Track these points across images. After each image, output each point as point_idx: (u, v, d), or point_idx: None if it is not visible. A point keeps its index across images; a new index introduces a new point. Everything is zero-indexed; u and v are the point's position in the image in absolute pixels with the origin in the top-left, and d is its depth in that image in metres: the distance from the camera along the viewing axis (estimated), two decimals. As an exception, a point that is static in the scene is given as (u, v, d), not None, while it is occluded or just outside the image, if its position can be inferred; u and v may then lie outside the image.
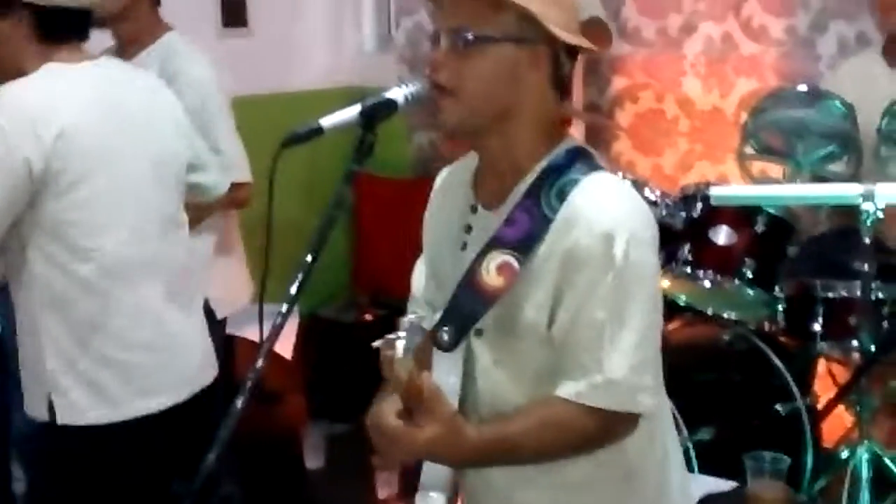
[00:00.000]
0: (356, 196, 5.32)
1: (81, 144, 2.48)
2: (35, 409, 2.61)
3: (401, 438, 1.80)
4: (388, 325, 1.90)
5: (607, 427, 1.87)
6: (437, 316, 1.96)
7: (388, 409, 1.81)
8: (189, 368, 2.74)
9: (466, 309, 1.90)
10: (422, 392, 1.78)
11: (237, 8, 5.02)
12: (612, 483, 1.98)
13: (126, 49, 3.32)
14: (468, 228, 1.99)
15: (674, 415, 3.02)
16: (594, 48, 1.97)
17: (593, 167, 1.91)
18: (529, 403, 1.89)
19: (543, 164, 1.92)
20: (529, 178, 1.91)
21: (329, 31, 5.34)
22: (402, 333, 1.79)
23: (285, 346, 4.05)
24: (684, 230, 3.31)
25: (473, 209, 2.00)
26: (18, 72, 2.53)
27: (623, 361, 1.83)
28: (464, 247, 1.99)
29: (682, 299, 3.41)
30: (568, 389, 1.84)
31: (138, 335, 2.62)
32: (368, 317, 4.96)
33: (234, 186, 3.18)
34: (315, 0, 5.28)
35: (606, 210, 1.85)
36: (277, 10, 5.10)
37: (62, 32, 2.57)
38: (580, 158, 1.92)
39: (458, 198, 2.04)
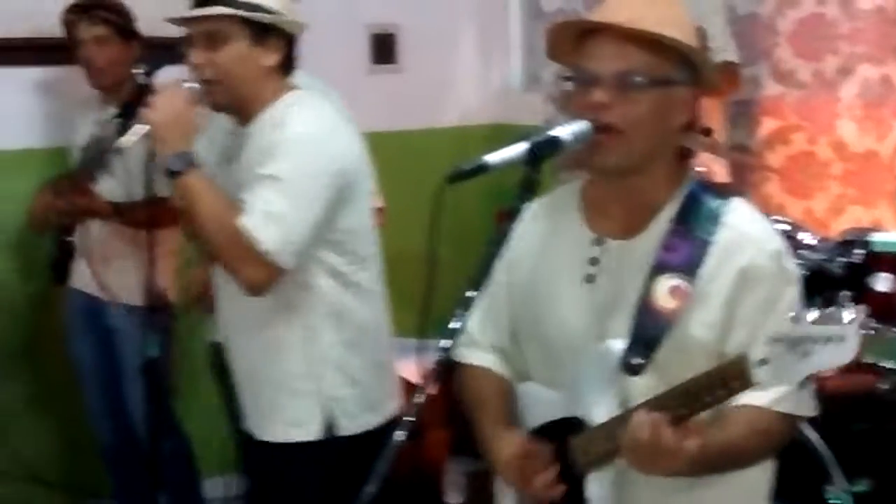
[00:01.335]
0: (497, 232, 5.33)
1: (356, 159, 2.66)
2: (304, 428, 2.68)
3: (673, 451, 1.85)
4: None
5: (791, 432, 2.00)
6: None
7: (660, 424, 1.86)
8: None
9: (649, 333, 1.97)
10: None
11: (387, 45, 5.10)
12: None
13: None
14: (594, 261, 2.06)
15: (832, 465, 2.99)
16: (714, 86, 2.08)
17: (727, 193, 2.08)
18: (728, 415, 1.95)
19: (682, 192, 2.04)
20: (671, 208, 2.03)
21: (477, 68, 5.37)
22: None
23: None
24: (843, 276, 3.24)
25: (598, 242, 2.06)
26: (251, 99, 2.65)
27: None
28: (590, 279, 2.06)
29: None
30: (761, 398, 1.92)
31: (388, 337, 2.81)
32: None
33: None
34: (464, 37, 5.32)
35: (768, 230, 2.03)
36: (426, 47, 5.15)
37: (293, 64, 2.72)
38: (708, 186, 2.09)
39: (568, 234, 2.12)
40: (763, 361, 1.75)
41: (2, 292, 4.32)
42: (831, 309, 1.69)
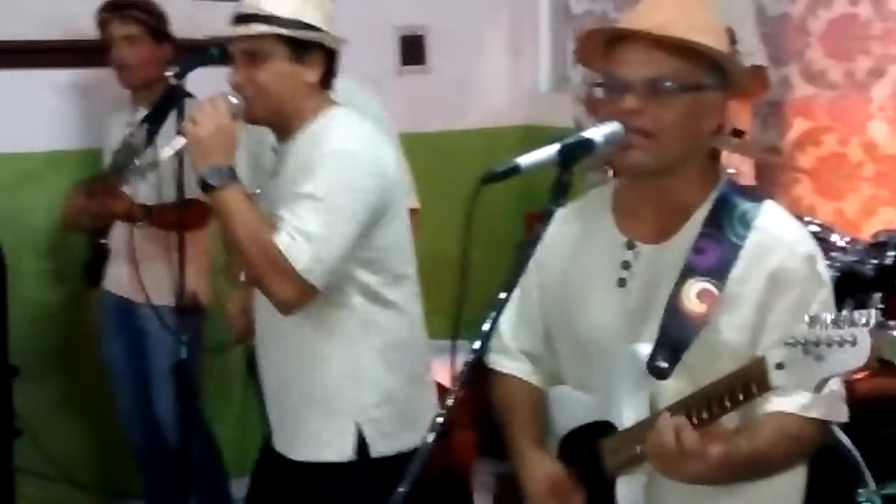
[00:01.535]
0: (527, 234, 5.33)
1: (393, 175, 2.65)
2: (335, 448, 2.65)
3: (697, 454, 1.85)
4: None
5: (821, 437, 1.98)
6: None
7: (682, 427, 1.86)
8: None
9: (676, 336, 1.96)
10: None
11: (416, 46, 5.12)
12: None
13: None
14: (626, 265, 2.06)
15: (861, 468, 2.97)
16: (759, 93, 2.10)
17: (758, 196, 2.06)
18: (755, 421, 1.94)
19: (713, 196, 2.04)
20: (703, 210, 2.03)
21: (505, 70, 5.38)
22: None
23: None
24: (875, 278, 3.23)
25: (630, 246, 2.06)
26: (292, 116, 2.65)
27: None
28: (621, 283, 2.06)
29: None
30: (789, 403, 1.91)
31: (427, 353, 2.79)
32: (537, 355, 4.94)
33: None
34: (492, 39, 5.33)
35: (799, 233, 2.02)
36: (455, 49, 5.17)
37: (333, 78, 2.71)
38: (741, 188, 2.08)
39: (600, 237, 2.12)
40: (780, 365, 1.75)
41: (34, 294, 4.34)
42: (845, 312, 1.69)
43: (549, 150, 1.91)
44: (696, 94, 1.97)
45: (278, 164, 2.70)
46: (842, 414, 2.00)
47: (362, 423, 2.64)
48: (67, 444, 4.41)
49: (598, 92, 2.05)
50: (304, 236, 2.48)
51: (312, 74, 2.63)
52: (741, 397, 1.84)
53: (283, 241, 2.48)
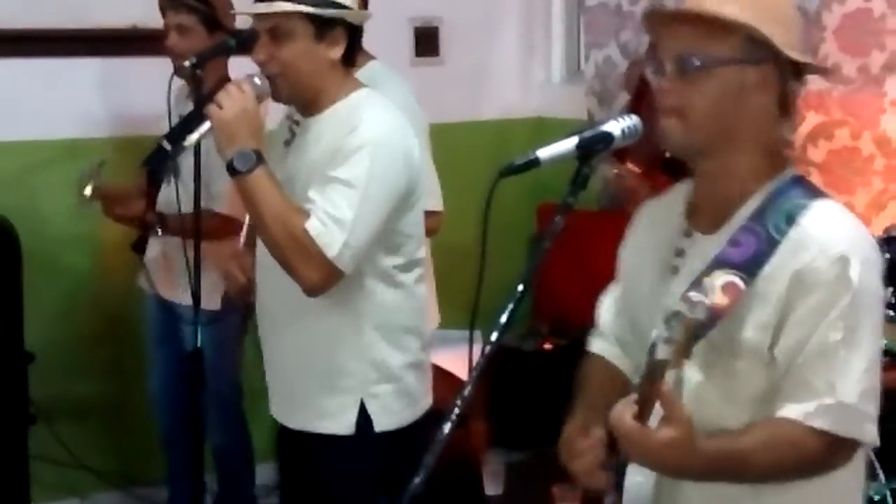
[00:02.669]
0: (539, 226, 5.35)
1: (418, 163, 2.67)
2: (338, 421, 2.69)
3: (636, 438, 1.80)
4: (569, 354, 1.87)
5: (830, 452, 1.86)
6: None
7: (625, 409, 1.81)
8: None
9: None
10: (658, 395, 1.78)
11: (430, 38, 5.13)
12: None
13: None
14: (680, 252, 2.03)
15: (872, 461, 2.98)
16: (820, 67, 1.96)
17: (820, 193, 1.95)
18: (753, 423, 1.88)
19: (770, 187, 1.95)
20: (755, 202, 1.95)
21: (518, 62, 5.39)
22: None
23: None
24: (888, 273, 3.22)
25: (688, 234, 2.03)
26: (316, 92, 2.66)
27: (854, 386, 1.84)
28: (674, 271, 2.03)
29: (883, 343, 3.30)
30: (795, 410, 1.84)
31: (427, 335, 2.83)
32: (548, 346, 4.97)
33: (426, 214, 3.26)
34: (505, 31, 5.34)
35: (839, 234, 1.89)
36: (468, 41, 5.19)
37: (355, 57, 2.71)
38: (804, 184, 1.97)
39: (668, 227, 2.08)
40: (668, 340, 1.72)
41: (50, 281, 4.36)
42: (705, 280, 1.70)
43: (568, 143, 1.92)
44: (734, 70, 1.90)
45: (298, 135, 2.73)
46: (864, 433, 1.88)
47: (366, 399, 2.68)
48: (82, 430, 4.44)
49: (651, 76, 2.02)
50: (337, 223, 2.51)
51: (335, 51, 2.64)
52: (655, 380, 1.77)
53: (314, 226, 2.51)
